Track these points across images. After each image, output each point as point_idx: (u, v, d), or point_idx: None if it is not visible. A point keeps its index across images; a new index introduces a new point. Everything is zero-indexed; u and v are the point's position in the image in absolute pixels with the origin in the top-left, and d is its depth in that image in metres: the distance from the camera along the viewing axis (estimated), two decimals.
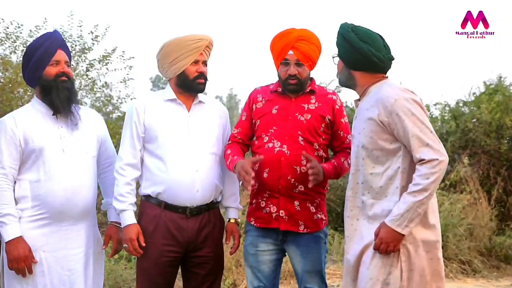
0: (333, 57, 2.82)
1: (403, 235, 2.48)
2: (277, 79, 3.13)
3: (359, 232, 2.65)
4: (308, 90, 3.05)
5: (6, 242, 2.76)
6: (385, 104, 2.54)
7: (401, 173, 2.55)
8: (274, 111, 3.03)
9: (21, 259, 2.75)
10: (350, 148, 2.91)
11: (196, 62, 2.98)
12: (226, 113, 3.20)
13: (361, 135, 2.64)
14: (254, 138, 3.10)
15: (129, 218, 2.91)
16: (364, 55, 2.64)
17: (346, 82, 2.79)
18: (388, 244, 2.49)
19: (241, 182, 2.94)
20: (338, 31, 2.76)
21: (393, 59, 2.74)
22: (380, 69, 2.70)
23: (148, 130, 2.96)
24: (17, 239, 2.75)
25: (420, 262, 2.55)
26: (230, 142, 3.11)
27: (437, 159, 2.45)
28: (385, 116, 2.54)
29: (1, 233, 2.78)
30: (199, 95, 3.08)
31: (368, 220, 2.62)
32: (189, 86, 3.00)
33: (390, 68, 2.75)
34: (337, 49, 2.80)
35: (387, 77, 2.75)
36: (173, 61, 2.97)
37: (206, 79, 3.02)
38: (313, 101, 3.05)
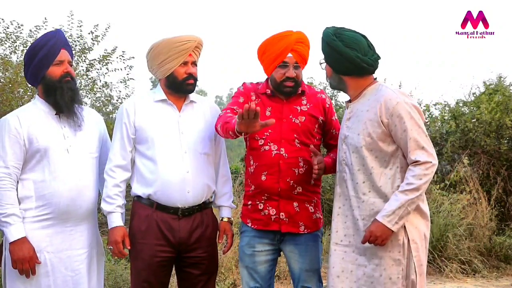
0: (320, 63, 2.86)
1: (392, 231, 2.58)
2: (263, 79, 3.12)
3: (363, 232, 2.68)
4: (299, 92, 3.05)
5: (10, 243, 2.74)
6: (387, 106, 2.62)
7: (400, 173, 2.64)
8: (267, 113, 3.01)
9: (26, 260, 2.74)
10: None
11: (185, 63, 2.96)
12: (218, 111, 3.18)
13: (360, 135, 2.68)
14: (246, 137, 3.04)
15: (116, 220, 2.91)
16: (352, 62, 2.69)
17: (338, 86, 2.86)
18: (377, 238, 2.58)
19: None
20: (322, 38, 2.78)
21: (379, 58, 2.79)
22: (369, 72, 2.76)
23: (138, 131, 2.96)
24: (21, 240, 2.74)
25: (424, 256, 2.67)
26: (229, 111, 2.92)
27: (431, 162, 2.58)
28: (385, 117, 2.62)
29: (5, 234, 2.77)
30: (191, 94, 3.07)
31: (370, 219, 2.66)
32: (178, 87, 2.99)
33: (377, 67, 2.79)
34: (323, 55, 2.81)
35: (376, 78, 2.82)
36: (161, 63, 2.96)
37: (195, 80, 3.01)
38: (304, 102, 3.05)
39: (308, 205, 3.00)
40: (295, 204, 2.97)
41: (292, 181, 2.95)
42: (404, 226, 2.61)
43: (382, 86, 2.74)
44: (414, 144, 2.58)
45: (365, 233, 2.61)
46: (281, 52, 2.94)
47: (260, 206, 3.00)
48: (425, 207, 2.70)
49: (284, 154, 2.95)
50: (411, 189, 2.55)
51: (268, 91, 3.05)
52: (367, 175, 2.67)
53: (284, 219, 2.96)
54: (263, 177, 2.97)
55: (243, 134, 2.67)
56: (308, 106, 3.05)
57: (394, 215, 2.55)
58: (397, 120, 2.60)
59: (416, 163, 2.57)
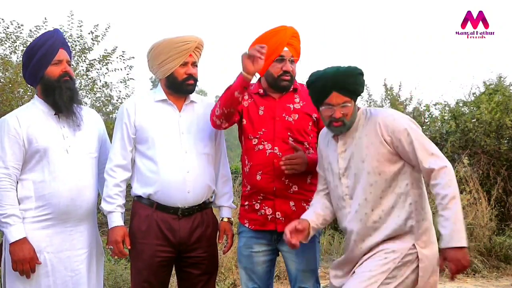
0: (358, 103, 2.73)
1: (465, 247, 2.46)
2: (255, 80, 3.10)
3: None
4: (291, 89, 3.04)
5: (10, 244, 2.74)
6: (386, 124, 2.60)
7: (411, 189, 2.61)
8: (260, 113, 3.01)
9: (26, 261, 2.73)
10: None
11: (185, 63, 2.95)
12: None
13: (365, 162, 2.63)
14: (242, 138, 3.07)
15: (116, 220, 2.90)
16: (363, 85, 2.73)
17: (354, 121, 2.71)
18: (460, 261, 2.46)
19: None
20: (355, 74, 2.66)
21: None
22: None
23: (139, 131, 2.96)
24: (21, 240, 2.74)
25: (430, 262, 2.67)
26: None
27: (446, 166, 2.53)
28: (387, 135, 2.60)
29: (5, 234, 2.77)
30: (191, 94, 3.07)
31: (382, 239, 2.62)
32: (178, 87, 2.99)
33: None
34: (356, 91, 2.68)
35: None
36: (162, 63, 2.96)
37: (195, 80, 3.01)
38: (297, 100, 3.04)
39: (305, 204, 2.97)
40: (292, 203, 2.96)
41: (287, 180, 2.94)
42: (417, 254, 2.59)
43: (369, 109, 2.71)
44: (424, 153, 2.54)
45: (449, 267, 2.51)
46: (277, 46, 2.93)
47: (257, 206, 2.99)
48: (432, 234, 2.67)
49: (278, 153, 2.94)
50: (450, 200, 2.47)
51: (261, 91, 3.05)
52: (377, 198, 2.61)
53: (280, 218, 2.95)
54: (258, 177, 2.96)
55: (245, 89, 2.78)
56: (301, 104, 3.03)
57: (457, 232, 2.44)
58: (400, 134, 2.57)
59: (432, 171, 2.51)
